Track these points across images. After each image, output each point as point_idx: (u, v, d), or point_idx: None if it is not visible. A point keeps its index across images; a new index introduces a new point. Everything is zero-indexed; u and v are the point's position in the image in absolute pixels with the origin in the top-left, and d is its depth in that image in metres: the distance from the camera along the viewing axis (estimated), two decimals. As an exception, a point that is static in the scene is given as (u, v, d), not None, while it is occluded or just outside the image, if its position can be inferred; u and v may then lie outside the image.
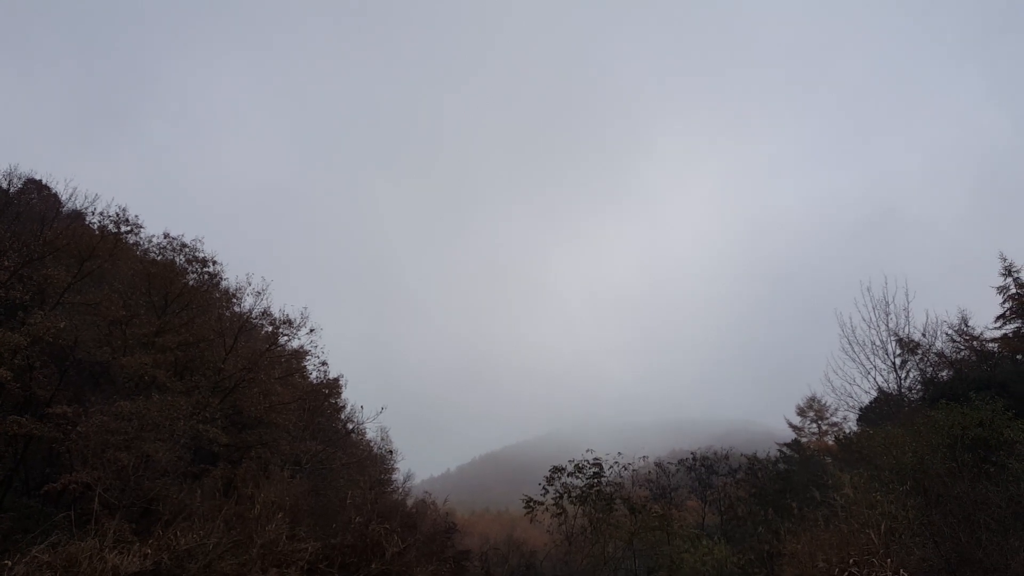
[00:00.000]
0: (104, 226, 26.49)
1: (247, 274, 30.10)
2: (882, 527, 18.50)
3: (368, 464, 40.99)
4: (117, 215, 26.81)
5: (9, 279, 21.19)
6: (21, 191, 29.73)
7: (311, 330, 30.33)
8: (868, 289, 31.47)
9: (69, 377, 22.80)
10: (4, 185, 27.69)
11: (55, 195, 30.32)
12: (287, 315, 29.92)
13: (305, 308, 30.02)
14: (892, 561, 16.61)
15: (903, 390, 31.42)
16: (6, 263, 21.34)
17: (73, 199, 28.44)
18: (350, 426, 40.78)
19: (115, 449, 18.38)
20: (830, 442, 44.18)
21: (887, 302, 31.06)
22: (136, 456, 18.54)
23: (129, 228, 27.36)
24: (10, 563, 13.59)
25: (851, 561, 17.26)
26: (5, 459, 19.89)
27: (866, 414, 33.40)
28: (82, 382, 23.54)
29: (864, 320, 31.46)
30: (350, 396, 41.46)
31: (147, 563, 15.60)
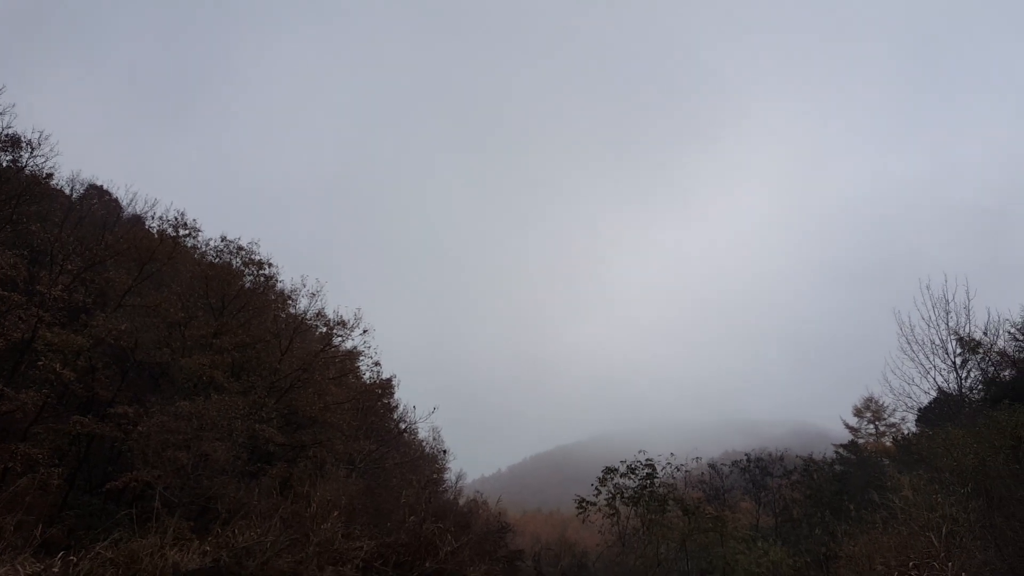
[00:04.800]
0: (163, 230, 27.06)
1: (302, 276, 30.45)
2: (943, 530, 17.93)
3: (420, 463, 41.28)
4: (175, 219, 27.36)
5: (72, 282, 21.81)
6: (83, 196, 30.62)
7: (364, 331, 30.53)
8: (927, 287, 30.46)
9: (130, 378, 23.38)
10: (67, 191, 28.57)
11: (116, 200, 31.21)
12: (341, 316, 30.20)
13: (359, 309, 30.25)
14: (953, 565, 16.09)
15: (964, 390, 30.41)
16: (70, 267, 21.96)
17: (133, 204, 29.27)
18: (402, 426, 41.04)
19: (174, 448, 18.77)
20: (888, 443, 43.02)
21: (947, 300, 30.01)
22: (195, 455, 18.92)
23: (187, 232, 27.88)
24: (75, 559, 13.92)
25: (911, 564, 16.82)
26: (69, 458, 20.45)
27: (925, 415, 32.47)
28: (142, 383, 24.11)
29: (923, 319, 30.46)
30: (403, 395, 41.68)
31: (206, 560, 15.90)
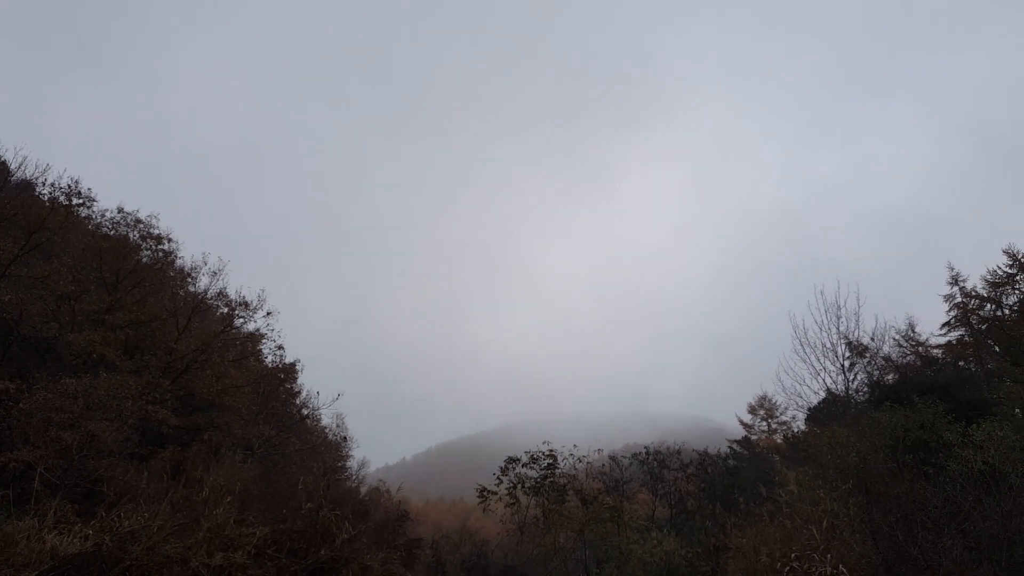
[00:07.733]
0: (55, 198, 25.65)
1: (203, 253, 29.35)
2: (824, 523, 19.01)
3: (322, 450, 40.67)
4: (69, 187, 25.98)
5: (-48, 249, 20.49)
6: (-33, 159, 28.62)
7: (268, 313, 29.79)
8: (821, 292, 32.34)
9: (13, 352, 22.17)
10: (-50, 152, 26.62)
11: (3, 163, 29.18)
12: (244, 297, 29.33)
13: (263, 290, 29.46)
14: (832, 556, 17.09)
15: (850, 392, 32.30)
16: (-51, 232, 20.63)
17: (23, 168, 27.37)
18: (305, 412, 40.27)
19: (59, 427, 17.90)
20: (779, 440, 45.11)
21: (839, 306, 31.91)
22: (81, 435, 18.07)
23: (81, 201, 26.52)
24: (-58, 541, 13.15)
25: (793, 556, 17.72)
26: (-58, 435, 19.23)
27: (814, 414, 34.23)
28: (26, 358, 22.88)
29: (816, 323, 32.26)
30: (309, 380, 40.84)
31: (88, 544, 15.23)
